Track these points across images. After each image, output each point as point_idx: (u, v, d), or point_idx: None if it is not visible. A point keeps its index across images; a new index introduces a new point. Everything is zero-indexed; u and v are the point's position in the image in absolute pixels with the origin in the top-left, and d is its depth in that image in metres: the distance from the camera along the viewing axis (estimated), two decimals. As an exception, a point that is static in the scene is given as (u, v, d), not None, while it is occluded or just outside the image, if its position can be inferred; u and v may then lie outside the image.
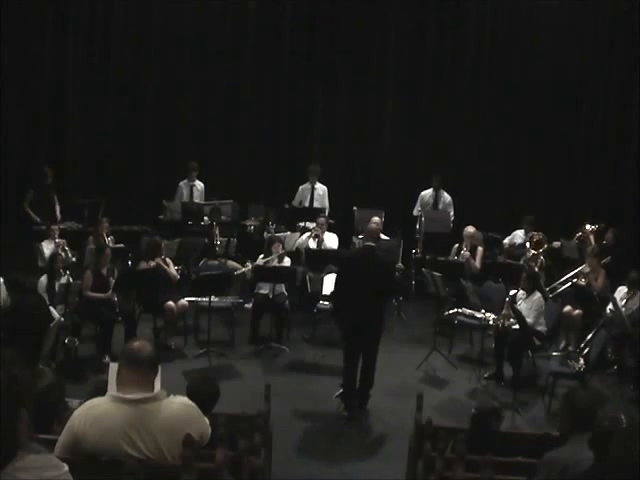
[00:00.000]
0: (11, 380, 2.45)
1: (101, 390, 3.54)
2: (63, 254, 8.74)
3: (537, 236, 9.80)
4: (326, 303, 8.57)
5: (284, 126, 12.32)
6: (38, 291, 7.88)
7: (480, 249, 9.81)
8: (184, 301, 8.50)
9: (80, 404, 3.47)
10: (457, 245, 9.87)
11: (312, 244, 9.78)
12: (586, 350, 8.04)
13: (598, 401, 4.10)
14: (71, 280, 7.99)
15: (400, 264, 9.76)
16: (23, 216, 10.38)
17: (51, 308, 7.64)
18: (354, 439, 6.51)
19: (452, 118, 11.96)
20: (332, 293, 7.33)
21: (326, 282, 8.67)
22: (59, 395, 4.11)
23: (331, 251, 9.64)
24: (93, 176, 11.74)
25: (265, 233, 10.33)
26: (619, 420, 3.67)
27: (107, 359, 7.55)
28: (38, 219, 10.27)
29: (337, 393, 7.16)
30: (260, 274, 8.82)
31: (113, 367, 3.46)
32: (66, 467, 2.55)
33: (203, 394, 4.12)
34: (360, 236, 9.65)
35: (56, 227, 9.51)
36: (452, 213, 11.12)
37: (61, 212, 10.56)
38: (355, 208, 10.97)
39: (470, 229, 9.85)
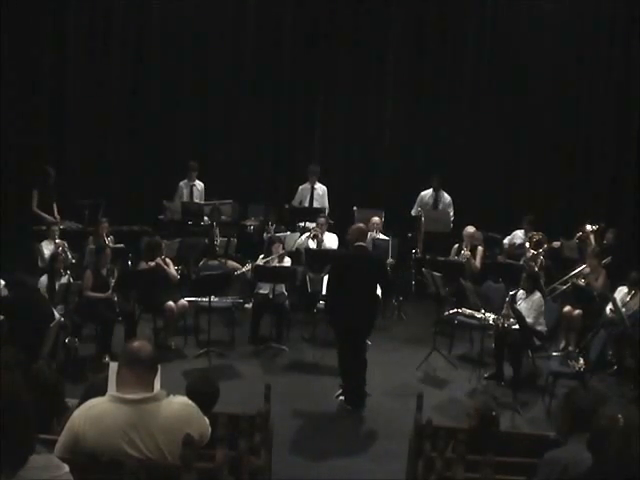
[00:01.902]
0: (15, 386, 2.44)
1: (95, 389, 3.54)
2: (63, 255, 8.73)
3: (537, 236, 9.81)
4: (326, 303, 8.58)
5: (284, 126, 12.33)
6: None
7: (480, 249, 9.82)
8: (184, 301, 8.50)
9: (79, 404, 3.47)
10: (457, 245, 9.88)
11: (312, 244, 9.78)
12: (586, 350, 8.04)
13: (599, 401, 4.08)
14: (71, 280, 8.00)
15: (390, 259, 9.67)
16: (33, 217, 10.24)
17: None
18: (354, 439, 6.50)
19: (452, 118, 11.97)
20: (325, 293, 7.33)
21: (326, 282, 8.66)
22: (59, 395, 4.11)
23: (331, 251, 9.64)
24: (93, 176, 11.73)
25: (265, 233, 10.33)
26: (616, 419, 3.67)
27: (107, 359, 7.53)
28: (52, 218, 10.16)
29: (337, 393, 7.17)
30: (260, 274, 8.81)
31: (113, 367, 3.46)
32: (67, 467, 2.55)
33: (203, 394, 4.12)
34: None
35: (56, 227, 9.50)
36: (452, 213, 11.12)
37: (59, 212, 10.49)
38: (355, 208, 10.95)
39: (470, 229, 9.86)
